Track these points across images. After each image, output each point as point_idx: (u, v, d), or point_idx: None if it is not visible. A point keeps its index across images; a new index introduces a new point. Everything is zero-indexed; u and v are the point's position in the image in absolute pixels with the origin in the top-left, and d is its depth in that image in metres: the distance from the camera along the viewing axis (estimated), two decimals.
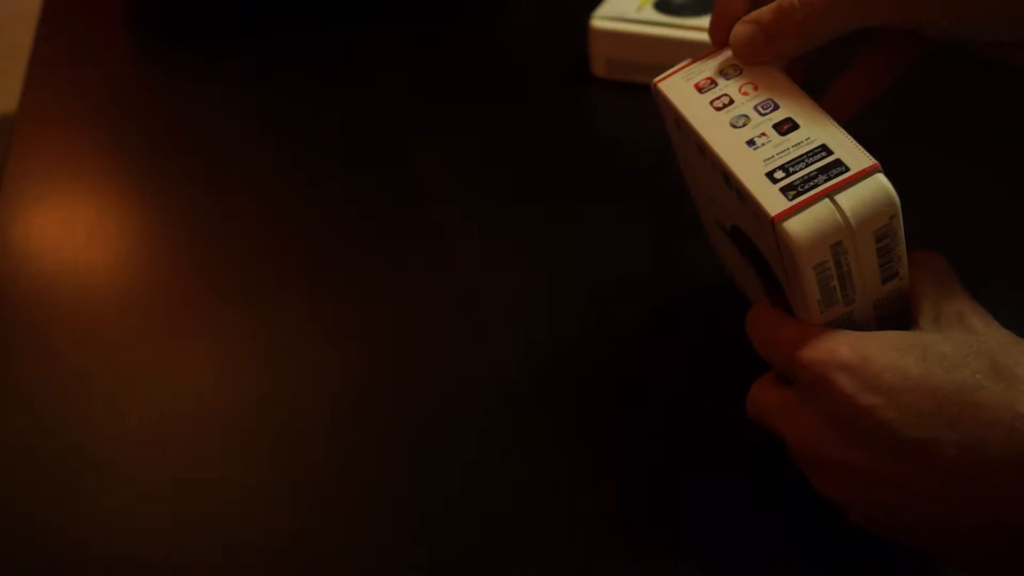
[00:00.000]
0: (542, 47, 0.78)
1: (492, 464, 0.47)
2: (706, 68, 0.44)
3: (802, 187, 0.38)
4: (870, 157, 0.38)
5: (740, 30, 0.43)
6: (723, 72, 0.44)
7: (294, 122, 0.72)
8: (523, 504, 0.45)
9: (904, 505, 0.37)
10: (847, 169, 0.38)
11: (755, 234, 0.42)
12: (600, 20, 0.70)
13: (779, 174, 0.39)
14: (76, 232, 0.63)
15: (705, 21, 0.68)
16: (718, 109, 0.42)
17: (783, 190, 0.38)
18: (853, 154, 0.39)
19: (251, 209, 0.64)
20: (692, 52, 0.69)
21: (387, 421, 0.50)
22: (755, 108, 0.42)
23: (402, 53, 0.78)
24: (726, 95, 0.43)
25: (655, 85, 0.45)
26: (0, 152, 0.74)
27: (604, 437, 0.48)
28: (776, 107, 0.41)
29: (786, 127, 0.41)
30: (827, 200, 0.38)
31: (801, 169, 0.39)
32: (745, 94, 0.42)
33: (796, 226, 0.37)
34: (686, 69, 0.45)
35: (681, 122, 0.43)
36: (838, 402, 0.37)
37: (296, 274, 0.59)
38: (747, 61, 0.43)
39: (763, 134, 0.41)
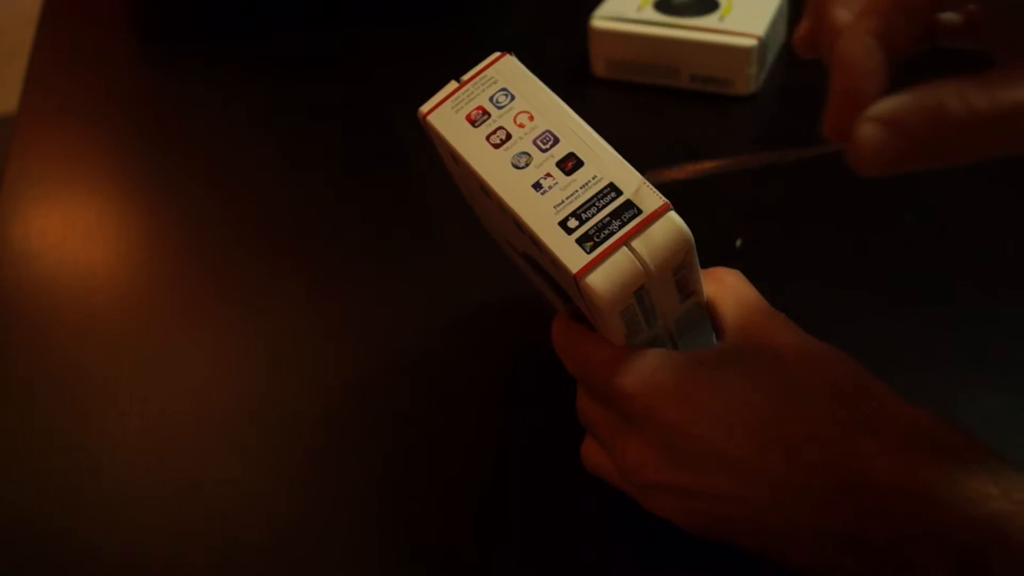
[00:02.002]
0: (542, 47, 0.78)
1: (493, 464, 0.47)
2: (476, 93, 0.42)
3: (597, 237, 0.37)
4: (659, 196, 0.38)
5: (869, 133, 0.31)
6: (493, 99, 0.41)
7: (294, 122, 0.72)
8: (523, 504, 0.45)
9: (731, 513, 0.38)
10: (639, 211, 0.38)
11: (553, 272, 0.41)
12: (600, 20, 0.70)
13: (572, 222, 0.38)
14: (76, 232, 0.63)
15: (706, 21, 0.68)
16: (496, 146, 0.40)
17: (579, 241, 0.38)
18: (642, 193, 0.38)
19: (251, 209, 0.64)
20: (692, 52, 0.69)
21: (387, 421, 0.50)
22: (534, 143, 0.40)
23: (402, 53, 0.78)
24: (502, 128, 0.41)
25: (424, 117, 0.43)
26: (0, 152, 0.74)
27: None
28: (556, 140, 0.40)
29: (570, 164, 0.39)
30: (624, 248, 0.37)
31: (593, 214, 0.38)
32: (521, 125, 0.41)
33: (599, 280, 0.37)
34: (454, 96, 0.42)
35: (459, 160, 0.41)
36: (666, 431, 0.38)
37: (296, 274, 0.59)
38: (866, 173, 0.32)
39: (548, 175, 0.39)
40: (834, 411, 0.37)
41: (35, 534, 0.45)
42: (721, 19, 0.69)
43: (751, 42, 0.67)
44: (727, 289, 0.42)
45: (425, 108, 0.43)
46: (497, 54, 0.43)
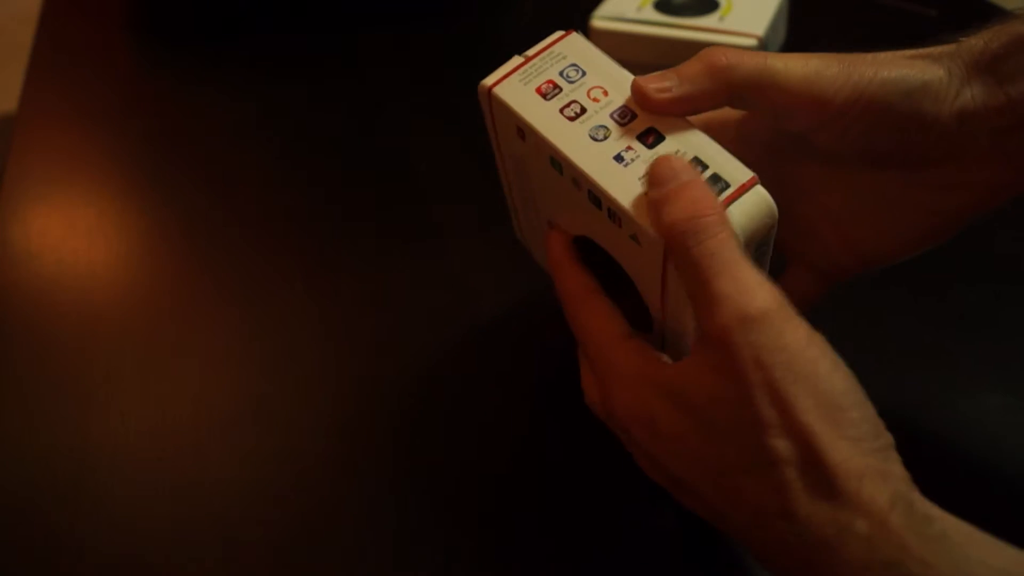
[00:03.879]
0: None
1: (493, 464, 0.47)
2: (544, 68, 0.41)
3: None
4: (746, 169, 0.37)
5: (651, 78, 0.40)
6: (563, 73, 0.40)
7: (294, 122, 0.72)
8: (524, 504, 0.45)
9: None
10: (727, 185, 0.37)
11: (624, 252, 0.40)
12: (600, 20, 0.70)
13: None
14: (76, 232, 0.63)
15: (706, 21, 0.68)
16: (571, 119, 0.39)
17: None
18: (729, 167, 0.37)
19: (251, 209, 0.64)
20: (692, 52, 0.69)
21: (387, 421, 0.50)
22: (611, 117, 0.39)
23: (402, 53, 0.78)
24: (575, 102, 0.40)
25: (489, 90, 0.41)
26: (1, 152, 0.74)
27: (609, 433, 0.48)
28: (633, 115, 0.39)
29: (652, 139, 0.38)
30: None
31: None
32: (596, 100, 0.40)
33: None
34: (521, 70, 0.41)
35: (528, 133, 0.40)
36: (639, 447, 0.39)
37: (296, 274, 0.59)
38: (651, 105, 0.39)
39: (629, 147, 0.38)
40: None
41: (35, 534, 0.45)
42: (721, 19, 0.69)
43: (751, 42, 0.67)
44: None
45: (489, 81, 0.41)
46: (561, 32, 0.42)
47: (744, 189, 0.37)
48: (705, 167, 0.37)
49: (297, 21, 0.83)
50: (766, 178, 0.40)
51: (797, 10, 0.75)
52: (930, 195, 0.42)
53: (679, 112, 0.39)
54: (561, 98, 0.40)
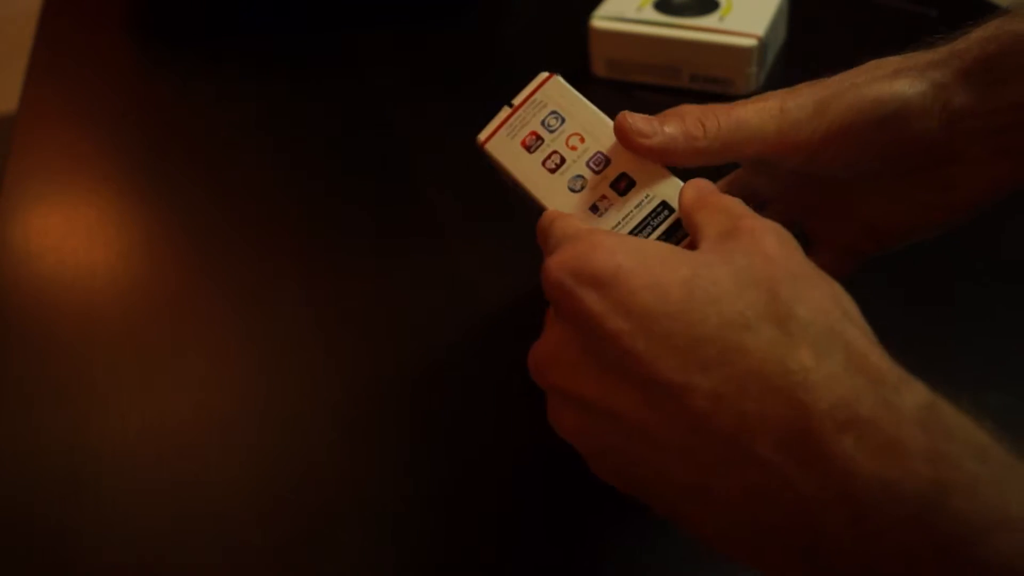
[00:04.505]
0: (542, 47, 0.78)
1: (495, 464, 0.47)
2: (528, 118, 0.44)
3: None
4: (677, 181, 0.40)
5: (637, 120, 0.41)
6: (545, 123, 0.43)
7: (294, 122, 0.72)
8: (526, 505, 0.45)
9: (643, 455, 0.32)
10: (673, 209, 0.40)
11: None
12: (600, 20, 0.70)
13: None
14: (76, 232, 0.63)
15: (706, 21, 0.69)
16: (552, 171, 0.42)
17: None
18: (667, 186, 0.40)
19: (251, 208, 0.64)
20: (692, 52, 0.69)
21: (387, 421, 0.50)
22: (588, 165, 0.42)
23: (401, 53, 0.78)
24: (556, 152, 0.43)
25: (482, 146, 0.44)
26: (1, 152, 0.74)
27: None
28: (607, 161, 0.42)
29: (623, 185, 0.41)
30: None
31: (649, 234, 0.40)
32: (573, 148, 0.43)
33: None
34: (508, 123, 0.44)
35: (518, 186, 0.43)
36: (582, 320, 0.32)
37: (296, 273, 0.59)
38: (629, 147, 0.41)
39: (603, 196, 0.41)
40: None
41: (35, 534, 0.45)
42: (721, 19, 0.69)
43: (751, 42, 0.67)
44: (720, 190, 0.39)
45: (482, 136, 0.44)
46: (544, 75, 0.45)
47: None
48: (672, 211, 0.40)
49: (297, 21, 0.83)
50: (778, 185, 0.43)
51: (797, 10, 0.75)
52: (934, 194, 0.42)
53: (656, 160, 0.41)
54: (543, 149, 0.43)
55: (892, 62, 0.41)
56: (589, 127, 0.43)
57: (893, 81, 0.40)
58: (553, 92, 0.44)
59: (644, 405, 0.31)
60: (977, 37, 0.40)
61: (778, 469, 0.29)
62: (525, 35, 0.80)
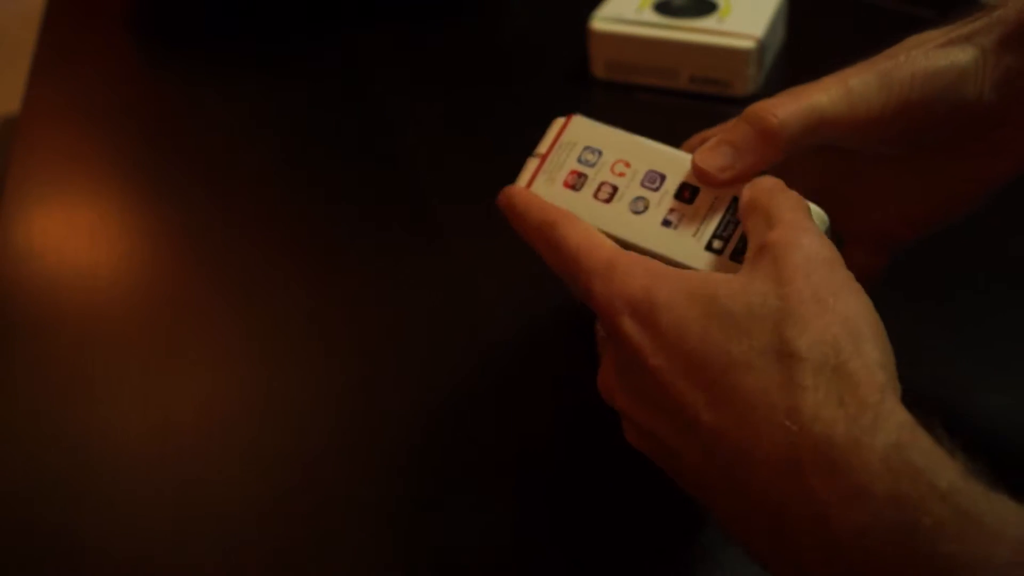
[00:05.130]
0: (542, 48, 0.78)
1: (496, 465, 0.47)
2: (562, 161, 0.43)
3: (744, 248, 0.37)
4: None
5: (715, 158, 0.40)
6: (582, 160, 0.42)
7: (294, 122, 0.72)
8: (527, 505, 0.45)
9: (684, 474, 0.35)
10: None
11: None
12: (600, 21, 0.70)
13: (717, 243, 0.39)
14: (78, 232, 0.64)
15: (705, 22, 0.69)
16: (607, 201, 0.41)
17: (732, 256, 0.38)
18: None
19: (251, 209, 0.64)
20: (691, 53, 0.70)
21: (388, 422, 0.50)
22: (643, 187, 0.41)
23: (402, 53, 0.78)
24: (605, 183, 0.42)
25: (512, 197, 0.43)
26: (3, 153, 0.74)
27: (611, 433, 0.48)
28: (662, 177, 0.41)
29: (687, 193, 0.40)
30: None
31: (733, 229, 0.39)
32: (621, 175, 0.41)
33: None
34: (543, 170, 0.43)
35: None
36: (623, 348, 0.36)
37: (296, 274, 0.59)
38: (717, 185, 0.40)
39: (672, 209, 0.40)
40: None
41: (36, 535, 0.45)
42: (720, 20, 0.69)
43: (750, 43, 0.67)
44: (763, 195, 0.39)
45: (519, 189, 0.43)
46: (562, 120, 0.44)
47: None
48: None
49: (297, 21, 0.83)
50: (815, 171, 0.41)
51: (796, 11, 0.75)
52: (979, 163, 0.43)
53: (746, 180, 0.40)
54: (590, 184, 0.42)
55: (935, 35, 0.41)
56: (630, 151, 0.42)
57: (947, 50, 0.40)
58: (580, 130, 0.43)
59: (675, 433, 0.35)
60: (1017, 6, 0.40)
61: (773, 502, 0.31)
62: (525, 35, 0.80)
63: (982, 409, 0.48)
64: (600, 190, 0.41)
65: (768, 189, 0.38)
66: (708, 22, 0.69)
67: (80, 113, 0.75)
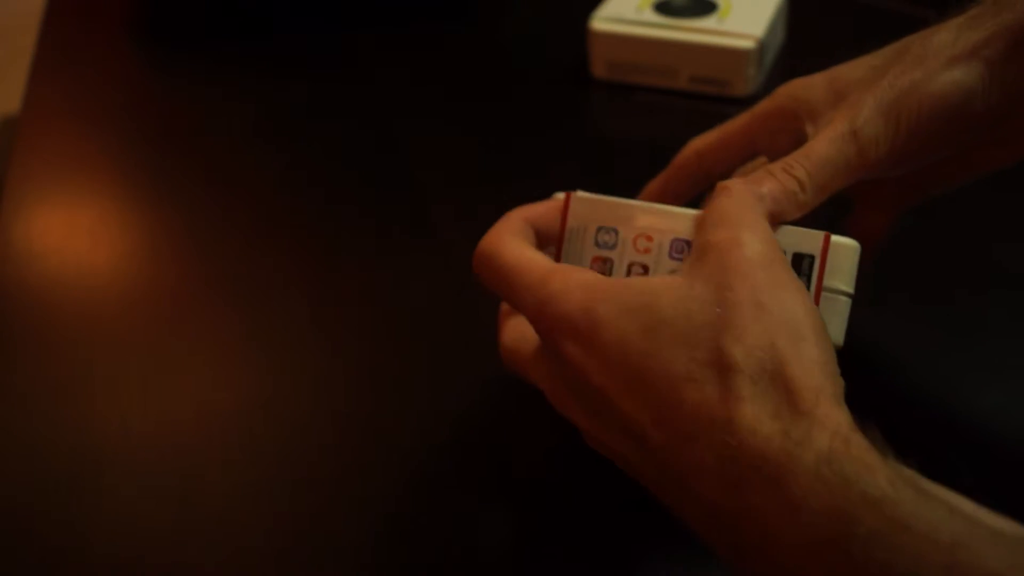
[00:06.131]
0: (542, 48, 0.78)
1: (496, 465, 0.47)
2: (579, 251, 0.40)
3: None
4: (813, 231, 0.37)
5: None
6: (600, 244, 0.40)
7: (294, 123, 0.72)
8: (528, 506, 0.46)
9: (642, 480, 0.36)
10: (811, 256, 0.37)
11: None
12: (600, 22, 0.70)
13: None
14: (78, 233, 0.64)
15: (705, 23, 0.69)
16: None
17: None
18: (798, 238, 0.37)
19: (252, 209, 0.64)
20: (691, 54, 0.70)
21: (388, 422, 0.50)
22: (671, 257, 0.39)
23: (402, 53, 0.78)
24: (634, 264, 0.39)
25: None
26: (3, 153, 0.74)
27: None
28: (687, 242, 0.38)
29: None
30: (826, 294, 0.37)
31: None
32: (647, 251, 0.39)
33: (834, 334, 0.36)
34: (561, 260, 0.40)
35: None
36: (568, 369, 0.36)
37: (297, 274, 0.59)
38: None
39: None
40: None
41: (36, 535, 0.45)
42: (720, 21, 0.69)
43: (750, 44, 0.67)
44: (724, 198, 0.38)
45: None
46: (561, 195, 0.41)
47: (826, 250, 0.37)
48: (783, 252, 0.37)
49: (297, 21, 0.83)
50: None
51: (796, 11, 0.75)
52: (985, 151, 0.44)
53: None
54: (618, 269, 0.40)
55: (940, 49, 0.40)
56: (646, 223, 0.39)
57: (952, 71, 0.40)
58: (584, 211, 0.41)
59: (630, 450, 0.35)
60: (1022, 9, 0.40)
61: (727, 516, 0.31)
62: (525, 36, 0.80)
63: (981, 409, 0.48)
64: (630, 272, 0.39)
65: (726, 188, 0.37)
66: (708, 22, 0.69)
67: (80, 113, 0.75)
